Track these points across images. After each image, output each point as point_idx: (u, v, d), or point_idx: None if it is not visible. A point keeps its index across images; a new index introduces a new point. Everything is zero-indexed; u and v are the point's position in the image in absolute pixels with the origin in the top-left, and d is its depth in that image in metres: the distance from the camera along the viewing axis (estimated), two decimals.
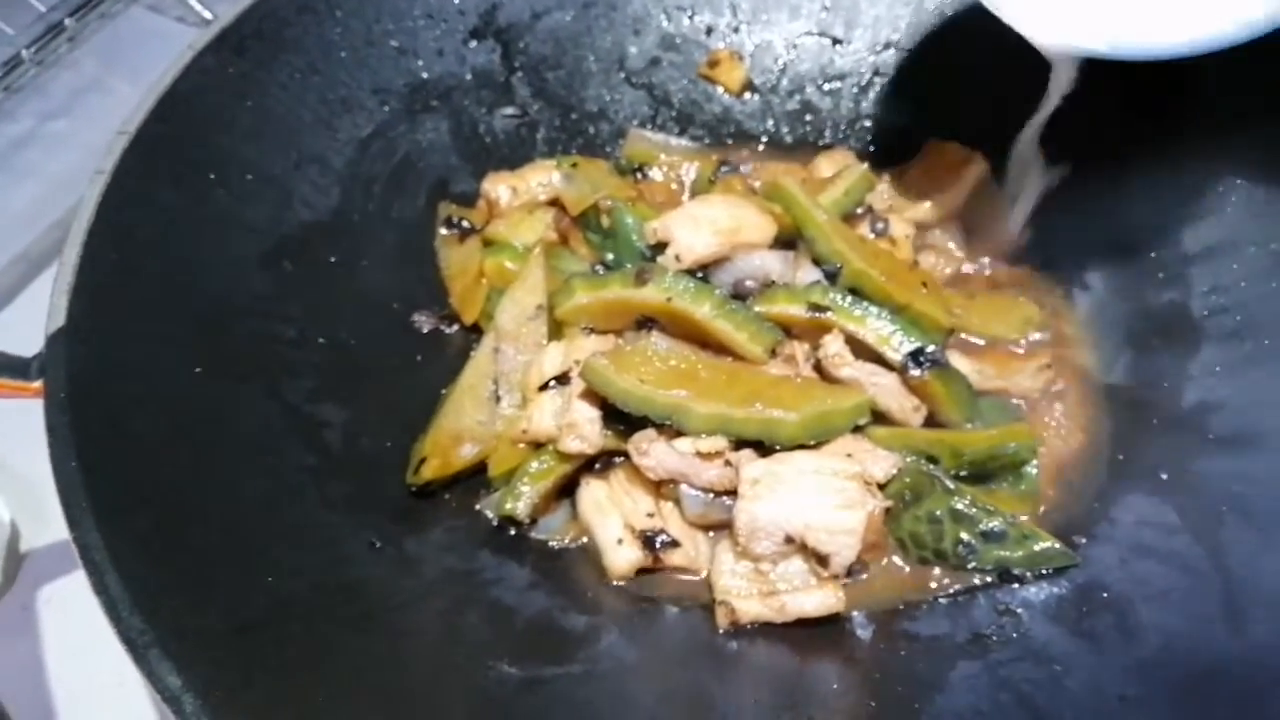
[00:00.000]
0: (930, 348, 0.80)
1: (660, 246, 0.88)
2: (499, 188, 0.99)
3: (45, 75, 1.18)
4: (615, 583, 0.78)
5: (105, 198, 0.77)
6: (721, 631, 0.74)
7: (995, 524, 0.76)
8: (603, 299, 0.84)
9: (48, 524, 0.91)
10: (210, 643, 0.59)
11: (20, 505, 0.91)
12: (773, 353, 0.82)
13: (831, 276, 0.86)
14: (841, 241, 0.86)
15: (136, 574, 0.59)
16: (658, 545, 0.78)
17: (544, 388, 0.82)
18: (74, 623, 0.86)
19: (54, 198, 1.13)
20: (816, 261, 0.87)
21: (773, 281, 0.87)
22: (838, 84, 1.11)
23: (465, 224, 0.97)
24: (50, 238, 1.11)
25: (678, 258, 0.86)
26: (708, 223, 0.87)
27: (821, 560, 0.75)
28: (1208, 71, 0.86)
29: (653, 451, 0.78)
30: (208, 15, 1.31)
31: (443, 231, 0.97)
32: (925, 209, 0.99)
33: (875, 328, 0.82)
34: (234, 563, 0.65)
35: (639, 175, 1.03)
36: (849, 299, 0.82)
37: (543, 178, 0.99)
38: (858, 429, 0.80)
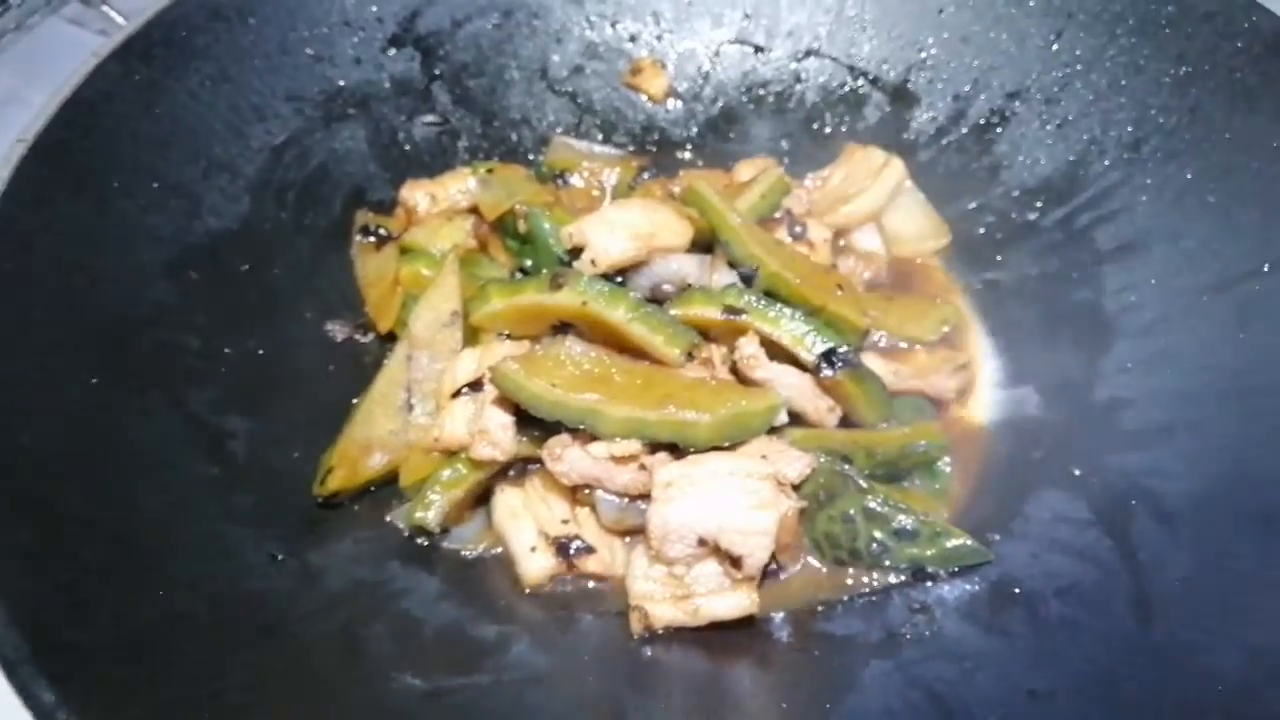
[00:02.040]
0: (843, 348, 0.81)
1: (576, 251, 0.87)
2: (417, 195, 0.98)
3: None
4: (529, 591, 0.77)
5: (2, 206, 0.75)
6: (636, 637, 0.73)
7: (908, 522, 0.76)
8: (518, 304, 0.83)
9: None
10: (92, 658, 0.57)
11: None
12: (689, 355, 0.82)
13: (748, 280, 0.86)
14: (757, 245, 0.86)
15: (16, 587, 0.57)
16: (572, 551, 0.77)
17: (457, 395, 0.81)
18: None
19: None
20: (733, 265, 0.87)
21: (689, 285, 0.87)
22: (760, 91, 1.11)
23: (382, 231, 0.96)
24: None
25: (593, 262, 0.86)
26: (624, 227, 0.87)
27: (735, 562, 0.74)
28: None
29: (566, 456, 0.77)
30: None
31: (359, 239, 0.96)
32: (844, 213, 0.99)
33: (789, 329, 0.82)
34: (124, 577, 0.63)
35: (560, 181, 1.03)
36: (764, 301, 0.82)
37: (461, 185, 0.99)
38: (773, 430, 0.79)
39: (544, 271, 0.86)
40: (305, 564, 0.72)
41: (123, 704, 0.55)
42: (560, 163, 1.04)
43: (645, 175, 1.03)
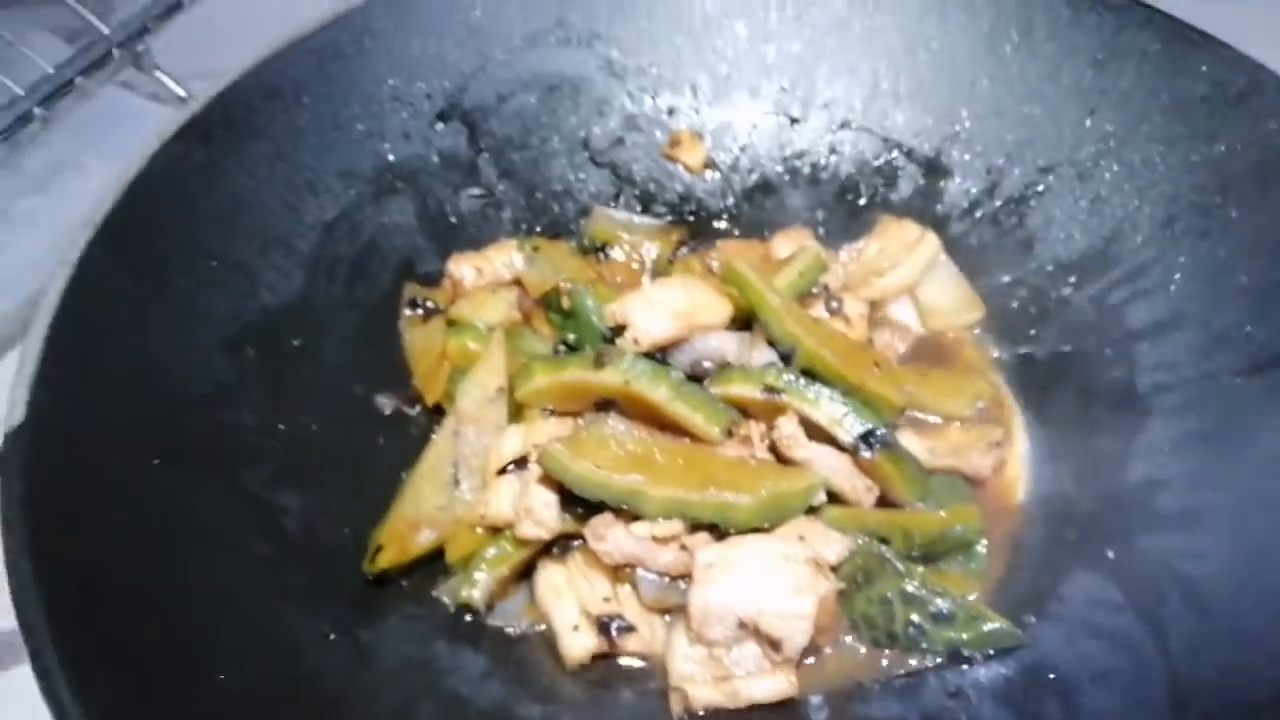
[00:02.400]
0: (880, 430, 0.82)
1: (619, 329, 0.90)
2: (463, 268, 1.01)
3: (19, 154, 1.20)
4: (571, 670, 0.79)
5: (69, 289, 0.78)
6: (676, 718, 0.75)
7: (944, 605, 0.78)
8: (562, 381, 0.86)
9: None
10: None
11: None
12: (729, 433, 0.84)
13: (786, 358, 0.88)
14: (795, 324, 0.88)
15: (84, 674, 0.60)
16: (614, 631, 0.79)
17: (502, 471, 0.84)
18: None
19: (25, 276, 1.13)
20: (771, 343, 0.89)
21: (729, 363, 0.89)
22: (796, 162, 1.14)
23: (429, 304, 0.99)
24: (20, 317, 1.12)
25: (636, 340, 0.88)
26: (665, 306, 0.89)
27: (774, 645, 0.76)
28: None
29: (609, 536, 0.79)
30: (181, 93, 1.33)
31: (407, 312, 0.99)
32: (879, 285, 1.01)
33: (828, 410, 0.84)
34: (185, 659, 0.66)
35: (601, 255, 1.06)
36: (802, 381, 0.84)
37: (506, 258, 1.01)
38: (811, 510, 0.81)
39: (587, 349, 0.88)
40: (356, 642, 0.75)
41: None
42: (601, 235, 1.07)
43: (684, 249, 1.05)
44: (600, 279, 0.99)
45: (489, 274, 1.01)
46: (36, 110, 1.03)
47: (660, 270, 1.03)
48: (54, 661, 0.59)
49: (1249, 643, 0.73)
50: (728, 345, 0.91)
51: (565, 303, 0.95)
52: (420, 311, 0.99)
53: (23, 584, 0.62)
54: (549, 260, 0.99)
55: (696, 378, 0.88)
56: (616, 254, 1.05)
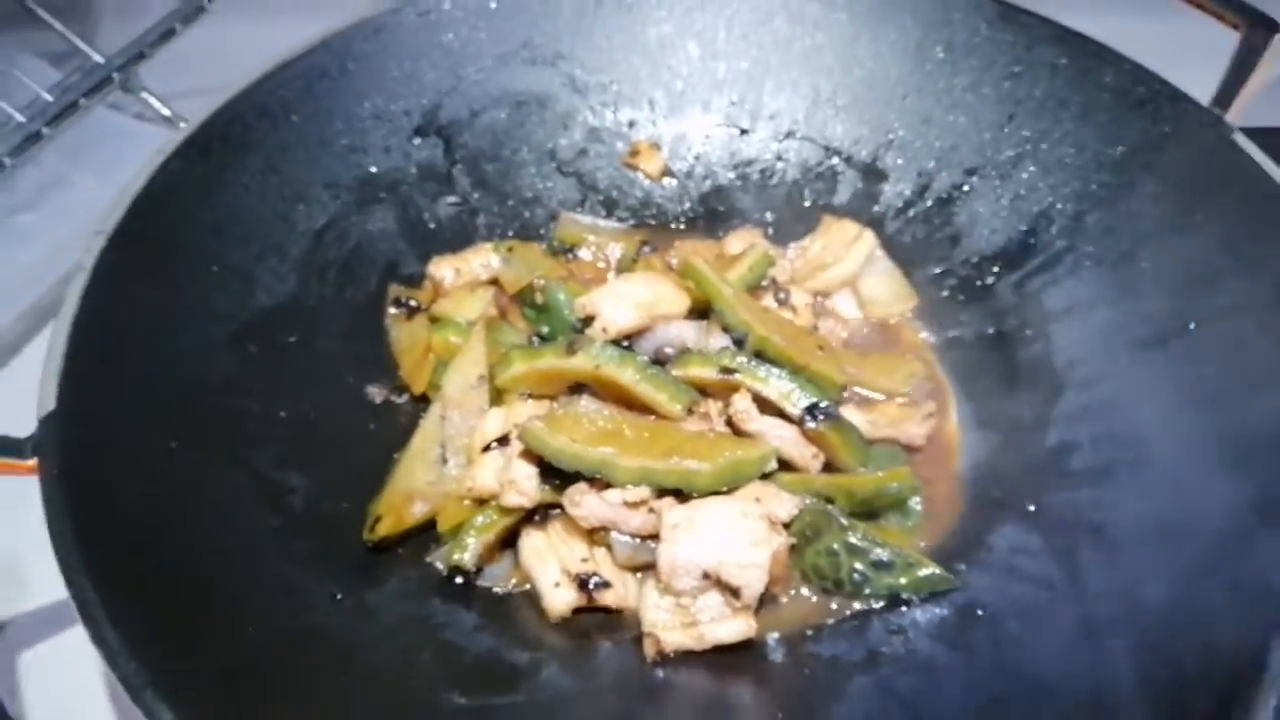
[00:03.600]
0: (824, 403, 0.92)
1: (588, 320, 0.99)
2: (443, 269, 1.09)
3: (9, 172, 1.26)
4: (554, 622, 0.87)
5: (87, 291, 0.85)
6: (649, 661, 0.84)
7: (884, 554, 0.87)
8: (538, 368, 0.95)
9: (26, 594, 0.97)
10: (197, 683, 0.67)
11: None
12: (689, 410, 0.93)
13: (739, 343, 0.97)
14: (747, 312, 0.98)
15: (129, 626, 0.67)
16: (591, 586, 0.88)
17: (486, 449, 0.92)
18: (53, 686, 0.92)
19: (25, 288, 1.20)
20: (725, 330, 0.98)
21: (688, 348, 0.99)
22: (746, 169, 1.24)
23: (413, 303, 1.07)
24: (22, 325, 1.18)
25: (604, 329, 0.97)
26: (629, 298, 0.99)
27: (734, 592, 0.85)
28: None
29: (585, 503, 0.87)
30: (166, 112, 1.41)
31: (392, 311, 1.07)
32: (823, 279, 1.12)
33: (777, 386, 0.93)
34: (213, 615, 0.74)
35: (570, 255, 1.15)
36: (754, 362, 0.94)
37: (483, 259, 1.10)
38: (765, 476, 0.91)
39: (560, 338, 0.97)
40: (361, 601, 0.83)
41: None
42: (569, 237, 1.16)
43: (646, 249, 1.15)
44: (570, 276, 1.08)
45: (467, 274, 1.09)
46: (44, 130, 1.10)
47: (624, 268, 1.13)
48: (99, 611, 0.67)
49: (1149, 579, 0.84)
50: (687, 333, 1.00)
51: (539, 298, 1.04)
52: (404, 310, 1.07)
53: (64, 547, 0.70)
54: (523, 260, 1.08)
55: (659, 362, 0.97)
56: (584, 254, 1.15)
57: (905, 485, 0.92)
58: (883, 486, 0.92)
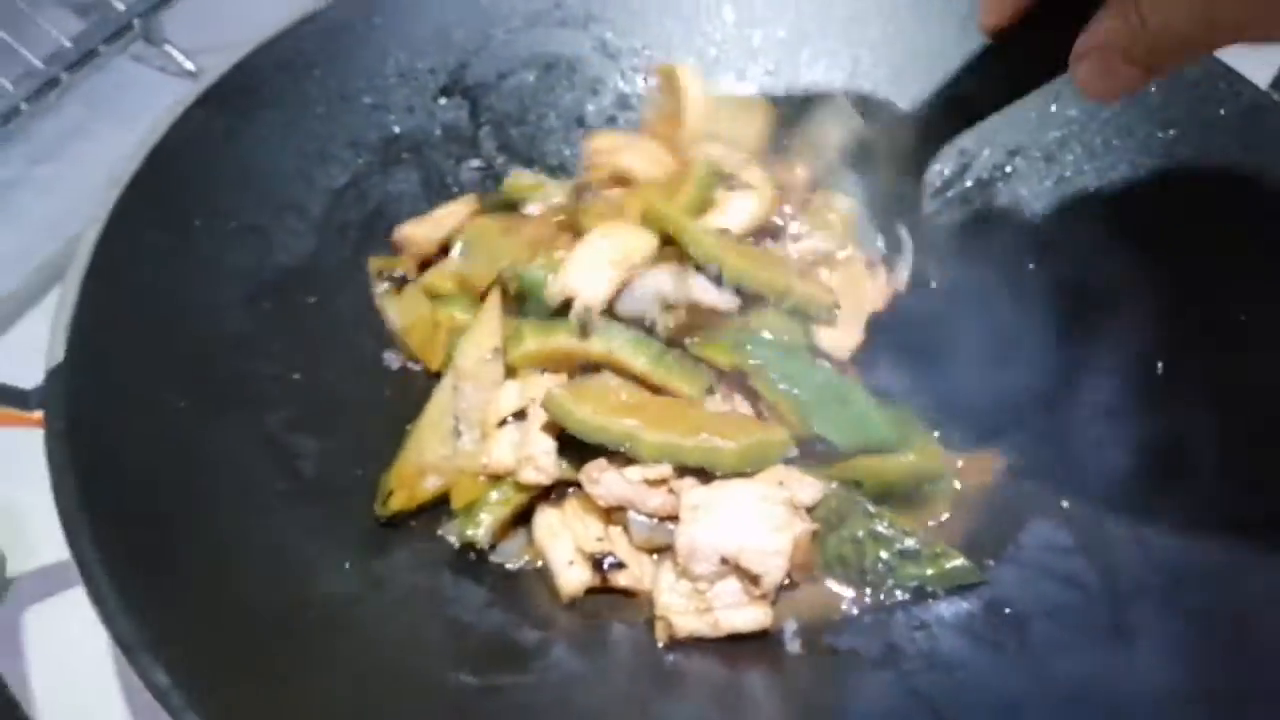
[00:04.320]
0: None
1: (568, 303, 0.92)
2: (415, 234, 1.03)
3: (33, 122, 1.24)
4: (566, 602, 0.85)
5: (100, 242, 0.83)
6: (661, 645, 0.81)
7: (911, 544, 0.84)
8: (550, 346, 0.91)
9: (33, 551, 0.96)
10: (194, 646, 0.65)
11: (5, 533, 0.96)
12: (710, 390, 0.90)
13: (718, 279, 0.92)
14: (714, 244, 0.92)
15: (128, 586, 0.65)
16: (606, 566, 0.85)
17: (502, 423, 0.89)
18: (58, 642, 0.91)
19: (42, 240, 1.18)
20: (699, 269, 0.92)
21: (670, 304, 0.91)
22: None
23: (397, 274, 1.02)
24: (38, 278, 1.17)
25: (588, 309, 0.91)
26: (599, 261, 0.92)
27: (754, 580, 0.82)
28: None
29: (603, 480, 0.85)
30: (189, 66, 1.38)
31: (382, 288, 1.02)
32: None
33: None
34: (215, 577, 0.72)
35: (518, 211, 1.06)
36: (770, 357, 0.90)
37: (455, 219, 1.04)
38: (787, 461, 0.88)
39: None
40: (369, 570, 0.81)
41: (222, 686, 0.63)
42: (518, 190, 1.08)
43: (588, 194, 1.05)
44: (531, 246, 1.00)
45: (438, 237, 1.03)
46: (63, 75, 1.07)
47: (570, 217, 1.03)
48: (98, 568, 0.65)
49: (1185, 579, 0.81)
50: (664, 284, 0.92)
51: (512, 287, 0.97)
52: (393, 284, 1.02)
53: (66, 501, 0.68)
54: (480, 247, 1.00)
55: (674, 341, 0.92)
56: (531, 210, 1.06)
57: (934, 468, 0.89)
58: (912, 471, 0.88)
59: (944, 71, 1.14)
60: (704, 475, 0.85)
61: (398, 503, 0.87)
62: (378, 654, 0.74)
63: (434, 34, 1.12)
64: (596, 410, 0.84)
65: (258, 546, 0.77)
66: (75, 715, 0.87)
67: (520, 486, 0.87)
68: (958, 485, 0.92)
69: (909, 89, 1.15)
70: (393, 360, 0.99)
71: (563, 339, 0.91)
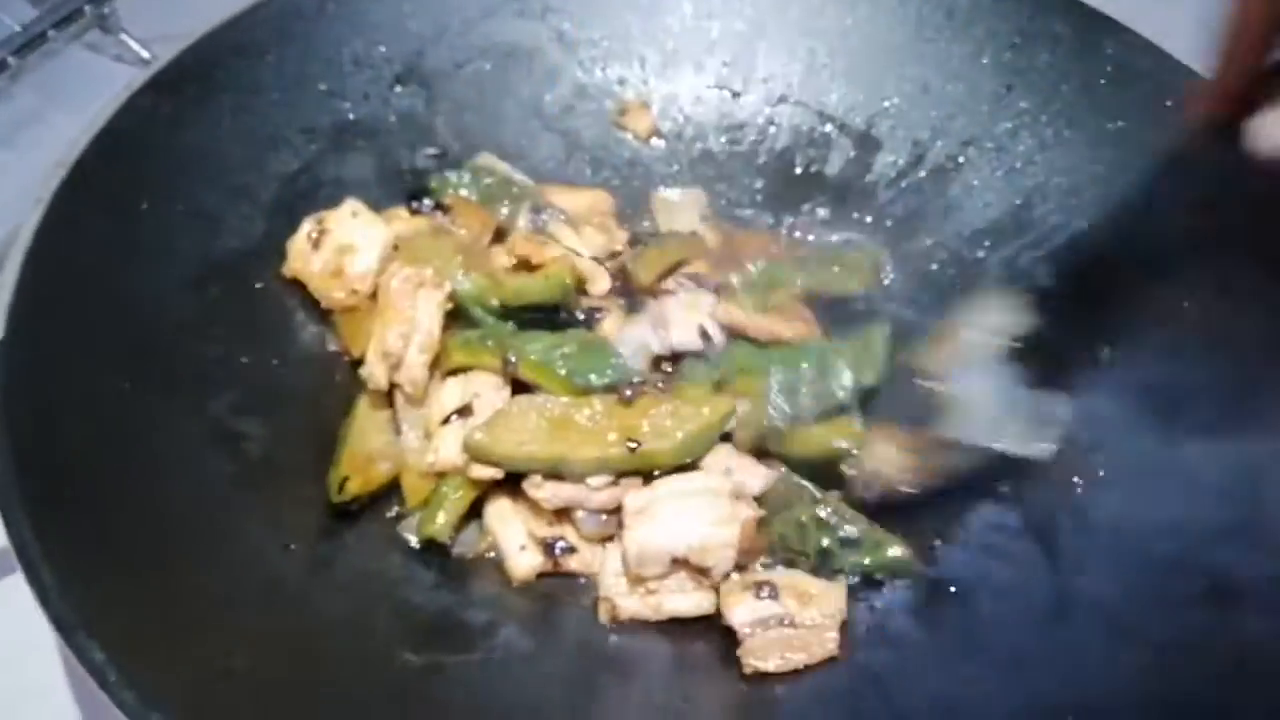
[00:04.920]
0: None
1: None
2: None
3: None
4: (517, 585, 0.85)
5: (43, 224, 0.82)
6: (605, 625, 0.81)
7: (851, 530, 0.85)
8: (478, 363, 0.91)
9: None
10: (132, 625, 0.64)
11: None
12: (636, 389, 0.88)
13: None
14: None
15: (65, 566, 0.65)
16: (557, 551, 0.85)
17: (445, 421, 0.88)
18: (2, 625, 0.90)
19: None
20: None
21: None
22: (737, 133, 1.20)
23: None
24: None
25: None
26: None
27: (703, 572, 0.82)
28: None
29: (546, 485, 0.84)
30: (145, 55, 1.36)
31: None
32: None
33: None
34: (156, 557, 0.71)
35: (441, 213, 1.04)
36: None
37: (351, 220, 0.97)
38: (725, 437, 0.88)
39: (500, 338, 0.91)
40: (315, 554, 0.80)
41: (162, 666, 0.63)
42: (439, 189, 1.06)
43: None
44: (461, 250, 0.98)
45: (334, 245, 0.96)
46: (11, 59, 1.06)
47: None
48: (40, 560, 0.64)
49: (1127, 558, 0.82)
50: (646, 337, 0.98)
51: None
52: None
53: (3, 482, 0.67)
54: (415, 253, 0.96)
55: None
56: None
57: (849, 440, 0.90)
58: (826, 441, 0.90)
59: (895, 63, 1.17)
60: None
61: (355, 487, 0.85)
62: (322, 633, 0.74)
63: (391, 21, 1.12)
64: (521, 442, 0.83)
65: (201, 529, 0.76)
66: (21, 705, 0.86)
67: (473, 482, 0.86)
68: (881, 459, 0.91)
69: (863, 79, 1.18)
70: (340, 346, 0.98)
71: (489, 361, 0.90)
